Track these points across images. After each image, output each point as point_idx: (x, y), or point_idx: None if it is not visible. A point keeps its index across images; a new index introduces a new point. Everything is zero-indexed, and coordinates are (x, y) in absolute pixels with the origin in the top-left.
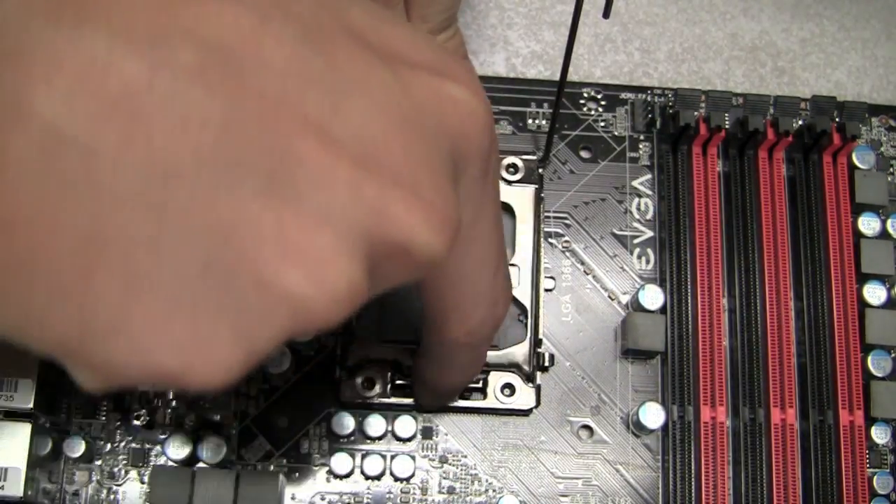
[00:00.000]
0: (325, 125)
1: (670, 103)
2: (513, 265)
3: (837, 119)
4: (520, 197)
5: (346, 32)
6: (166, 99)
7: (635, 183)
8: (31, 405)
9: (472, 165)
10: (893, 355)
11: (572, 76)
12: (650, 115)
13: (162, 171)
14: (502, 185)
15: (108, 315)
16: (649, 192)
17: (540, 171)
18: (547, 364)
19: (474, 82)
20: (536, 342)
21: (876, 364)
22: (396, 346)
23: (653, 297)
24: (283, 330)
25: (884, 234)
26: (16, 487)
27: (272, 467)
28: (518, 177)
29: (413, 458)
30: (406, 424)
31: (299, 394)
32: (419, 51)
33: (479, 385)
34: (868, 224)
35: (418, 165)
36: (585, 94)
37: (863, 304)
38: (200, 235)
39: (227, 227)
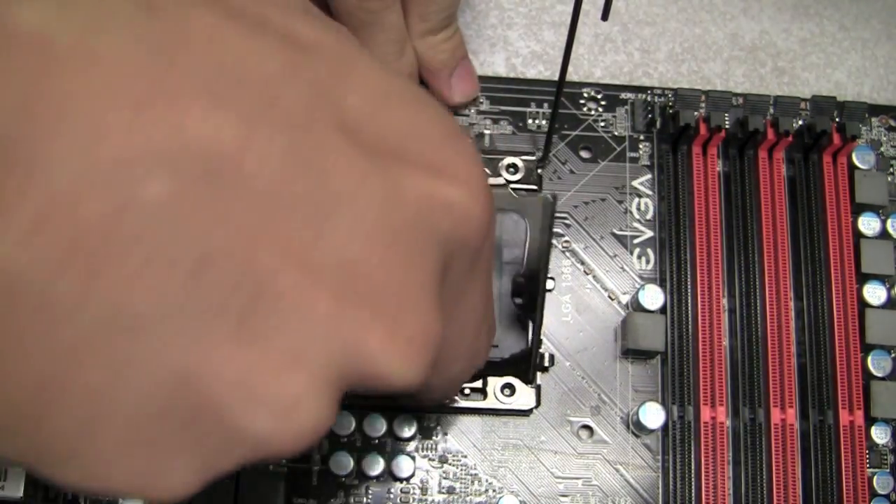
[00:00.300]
0: (307, 253)
1: (670, 103)
2: (520, 278)
3: (837, 119)
4: (532, 207)
5: (340, 129)
6: (131, 243)
7: (635, 183)
8: None
9: (460, 263)
10: (893, 355)
11: (572, 76)
12: (650, 115)
13: (123, 323)
14: (516, 191)
15: (60, 451)
16: (649, 192)
17: (539, 171)
18: (547, 364)
19: (474, 176)
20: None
21: (876, 364)
22: None
23: (653, 297)
24: (243, 461)
25: (884, 234)
26: (16, 487)
27: (272, 467)
28: (518, 177)
29: (413, 458)
30: (406, 424)
31: None
32: (418, 140)
33: (480, 385)
34: (868, 224)
35: (402, 290)
36: (585, 94)
37: (863, 304)
38: (161, 383)
39: (191, 374)
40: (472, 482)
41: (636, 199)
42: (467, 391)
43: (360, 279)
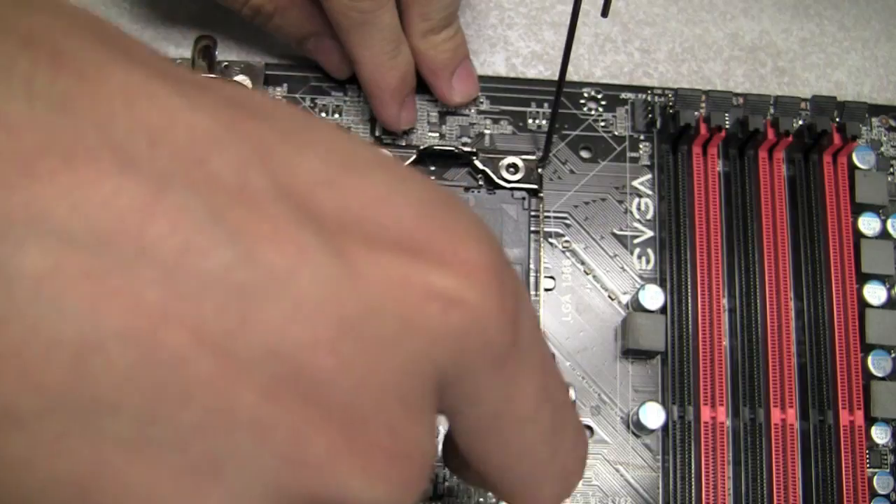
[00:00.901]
0: (228, 339)
1: (670, 103)
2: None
3: (837, 119)
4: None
5: (282, 197)
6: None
7: (635, 183)
8: None
9: (477, 364)
10: (893, 355)
11: (572, 76)
12: (650, 115)
13: None
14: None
15: None
16: (649, 192)
17: (539, 170)
18: None
19: (472, 256)
20: None
21: (876, 364)
22: None
23: (653, 297)
24: None
25: (884, 234)
26: None
27: None
28: (518, 177)
29: None
30: None
31: None
32: (394, 214)
33: None
34: (868, 224)
35: (359, 390)
36: (585, 94)
37: (863, 304)
38: (47, 489)
39: (82, 480)
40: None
41: (636, 199)
42: None
43: (301, 373)
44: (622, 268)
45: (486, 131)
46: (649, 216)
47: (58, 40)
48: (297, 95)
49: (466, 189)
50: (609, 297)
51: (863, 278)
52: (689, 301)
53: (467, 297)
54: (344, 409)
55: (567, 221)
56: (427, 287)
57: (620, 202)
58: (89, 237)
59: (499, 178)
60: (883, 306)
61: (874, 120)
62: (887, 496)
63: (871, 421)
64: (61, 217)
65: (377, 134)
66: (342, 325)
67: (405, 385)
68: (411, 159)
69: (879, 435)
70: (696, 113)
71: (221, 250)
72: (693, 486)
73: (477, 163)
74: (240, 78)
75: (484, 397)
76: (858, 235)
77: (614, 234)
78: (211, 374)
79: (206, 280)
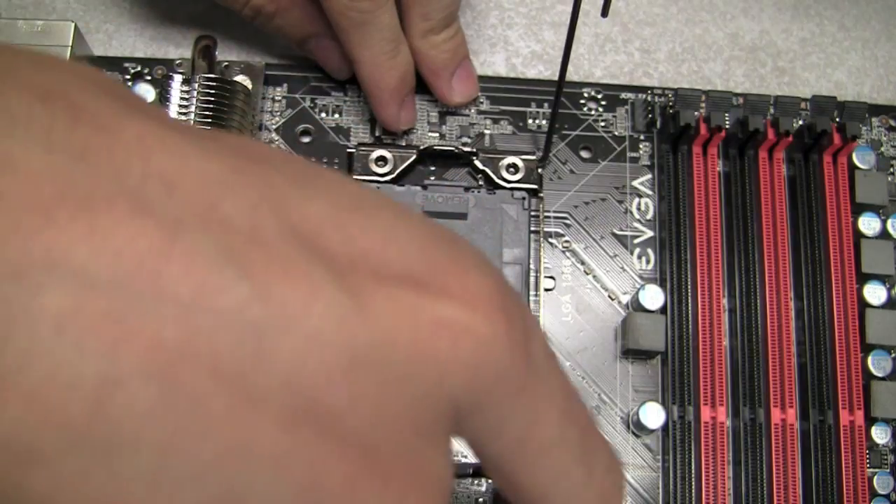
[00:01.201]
0: (244, 376)
1: (670, 103)
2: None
3: (837, 119)
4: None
5: (292, 237)
6: (21, 360)
7: (635, 183)
8: None
9: (492, 393)
10: (893, 355)
11: (572, 76)
12: (650, 115)
13: (18, 454)
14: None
15: None
16: (649, 192)
17: (539, 170)
18: None
19: (475, 288)
20: None
21: (876, 364)
22: None
23: (653, 297)
24: None
25: (884, 234)
26: None
27: None
28: (518, 177)
29: None
30: None
31: None
32: (399, 250)
33: None
34: (868, 224)
35: (373, 420)
36: (585, 94)
37: (863, 304)
38: None
39: None
40: (473, 482)
41: (636, 199)
42: None
43: (315, 405)
44: (622, 268)
45: (486, 131)
46: (649, 216)
47: (74, 95)
48: (297, 95)
49: (466, 189)
50: (609, 297)
51: (863, 278)
52: (689, 301)
53: (475, 327)
54: (359, 439)
55: (567, 221)
56: (435, 318)
57: (620, 202)
58: (108, 279)
59: (499, 178)
60: (883, 306)
61: (874, 120)
62: (887, 496)
63: (871, 421)
64: (81, 260)
65: (377, 134)
66: (354, 358)
67: (419, 414)
68: (411, 159)
69: (879, 435)
70: (696, 113)
71: (235, 288)
72: (693, 486)
73: (477, 163)
74: (240, 78)
75: (505, 425)
76: (858, 235)
77: (614, 234)
78: (228, 409)
79: (222, 318)
